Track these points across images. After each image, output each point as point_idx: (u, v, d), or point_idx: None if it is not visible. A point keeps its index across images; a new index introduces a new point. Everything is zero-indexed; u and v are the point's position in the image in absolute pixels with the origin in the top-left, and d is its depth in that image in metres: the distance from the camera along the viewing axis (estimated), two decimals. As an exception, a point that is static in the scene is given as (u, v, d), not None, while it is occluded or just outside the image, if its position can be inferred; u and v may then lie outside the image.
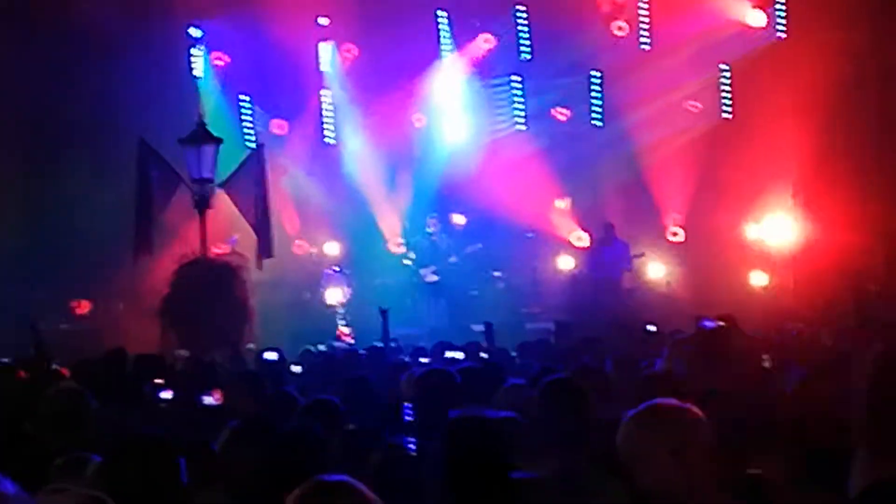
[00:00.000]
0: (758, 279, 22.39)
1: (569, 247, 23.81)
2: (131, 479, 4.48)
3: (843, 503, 3.79)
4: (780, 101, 21.51)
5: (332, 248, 23.83)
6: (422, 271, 22.34)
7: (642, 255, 22.83)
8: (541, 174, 23.13)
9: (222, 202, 17.69)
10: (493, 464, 4.45)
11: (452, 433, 4.60)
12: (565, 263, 23.51)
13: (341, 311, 22.27)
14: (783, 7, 23.17)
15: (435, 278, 22.34)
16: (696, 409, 4.64)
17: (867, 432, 3.13)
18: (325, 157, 24.68)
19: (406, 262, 22.57)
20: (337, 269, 23.22)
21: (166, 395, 8.46)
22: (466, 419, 4.52)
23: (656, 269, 23.15)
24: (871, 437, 3.25)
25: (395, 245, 23.83)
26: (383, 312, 13.66)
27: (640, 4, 23.84)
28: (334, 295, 22.64)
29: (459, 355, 12.30)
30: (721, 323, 7.41)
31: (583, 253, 23.45)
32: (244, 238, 20.19)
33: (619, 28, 23.89)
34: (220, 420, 6.87)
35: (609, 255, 22.30)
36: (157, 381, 8.93)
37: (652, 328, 14.69)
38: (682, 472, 4.39)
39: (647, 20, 23.85)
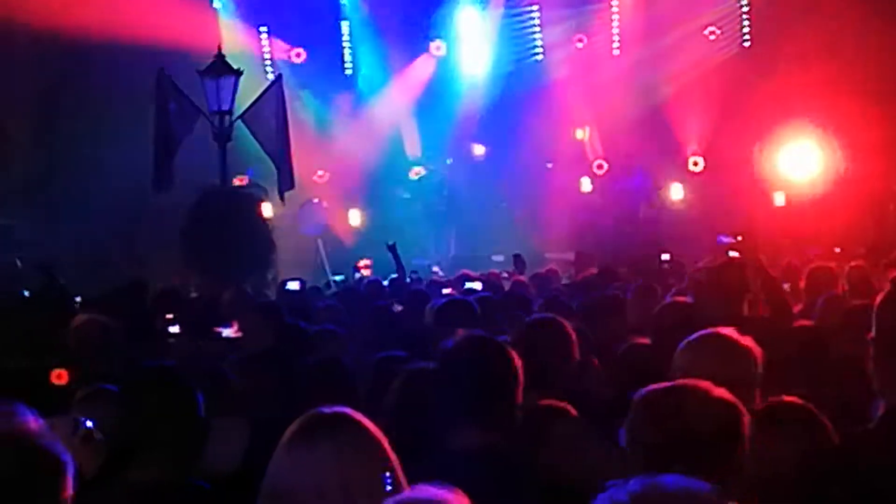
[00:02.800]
0: (779, 199, 22.31)
1: (589, 176, 23.79)
2: (146, 411, 4.46)
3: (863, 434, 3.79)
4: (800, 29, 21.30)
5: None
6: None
7: (662, 184, 22.73)
8: (560, 104, 23.02)
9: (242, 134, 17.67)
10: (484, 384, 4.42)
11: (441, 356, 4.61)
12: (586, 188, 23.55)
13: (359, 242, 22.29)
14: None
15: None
16: (751, 342, 4.62)
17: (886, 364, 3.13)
18: (345, 87, 24.61)
19: None
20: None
21: (174, 329, 8.52)
22: (457, 343, 4.53)
23: (676, 199, 23.08)
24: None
25: (415, 175, 23.87)
26: (391, 247, 13.66)
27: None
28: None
29: (478, 286, 12.35)
30: (738, 238, 7.34)
31: (603, 182, 23.39)
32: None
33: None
34: (240, 351, 6.94)
35: (629, 184, 22.23)
36: (168, 315, 8.97)
37: (666, 257, 14.68)
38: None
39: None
